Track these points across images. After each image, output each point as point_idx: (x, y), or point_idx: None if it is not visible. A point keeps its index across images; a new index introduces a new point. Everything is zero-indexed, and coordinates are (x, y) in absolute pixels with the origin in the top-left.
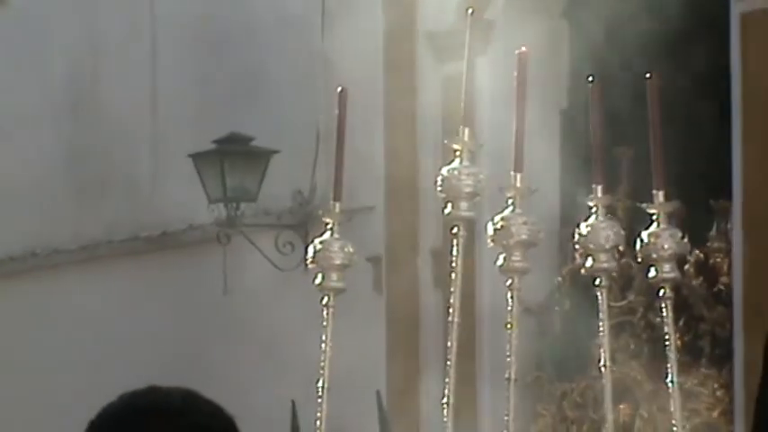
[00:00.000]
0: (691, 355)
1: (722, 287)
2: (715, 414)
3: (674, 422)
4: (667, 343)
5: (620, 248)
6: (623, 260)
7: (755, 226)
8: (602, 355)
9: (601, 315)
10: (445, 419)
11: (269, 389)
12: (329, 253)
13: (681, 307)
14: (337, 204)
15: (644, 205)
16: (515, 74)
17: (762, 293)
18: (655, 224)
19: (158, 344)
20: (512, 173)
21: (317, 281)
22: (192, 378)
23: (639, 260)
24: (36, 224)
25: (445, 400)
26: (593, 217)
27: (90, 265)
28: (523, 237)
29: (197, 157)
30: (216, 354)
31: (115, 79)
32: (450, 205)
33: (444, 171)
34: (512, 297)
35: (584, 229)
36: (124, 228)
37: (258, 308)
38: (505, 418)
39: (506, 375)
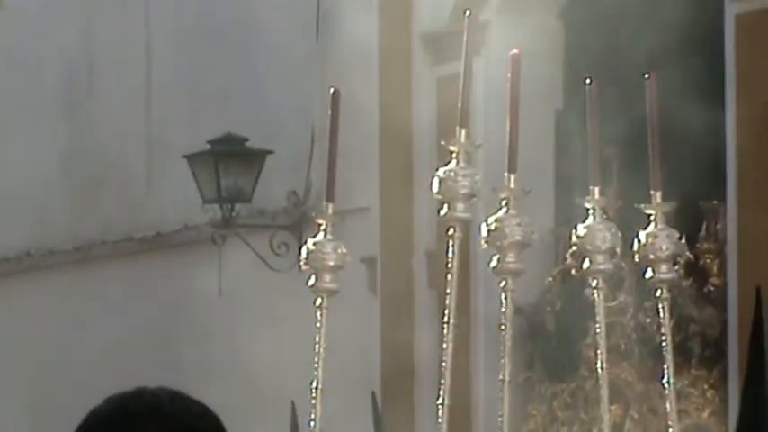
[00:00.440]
0: (681, 355)
1: (712, 288)
2: (705, 415)
3: (669, 423)
4: (664, 344)
5: (618, 250)
6: (613, 260)
7: (749, 226)
8: (599, 356)
9: (597, 317)
10: (440, 420)
11: (265, 388)
12: (322, 254)
13: (671, 308)
14: (330, 206)
15: (642, 206)
16: (509, 75)
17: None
18: (652, 225)
19: (153, 344)
20: (506, 174)
21: (311, 282)
22: (190, 378)
23: (636, 260)
24: (31, 225)
25: (440, 400)
26: (590, 218)
27: (85, 265)
28: (517, 238)
29: (192, 158)
30: (212, 353)
31: (110, 80)
32: (446, 206)
33: (441, 172)
34: (505, 298)
35: (580, 230)
36: (119, 228)
37: (253, 308)
38: (499, 419)
39: (500, 377)
